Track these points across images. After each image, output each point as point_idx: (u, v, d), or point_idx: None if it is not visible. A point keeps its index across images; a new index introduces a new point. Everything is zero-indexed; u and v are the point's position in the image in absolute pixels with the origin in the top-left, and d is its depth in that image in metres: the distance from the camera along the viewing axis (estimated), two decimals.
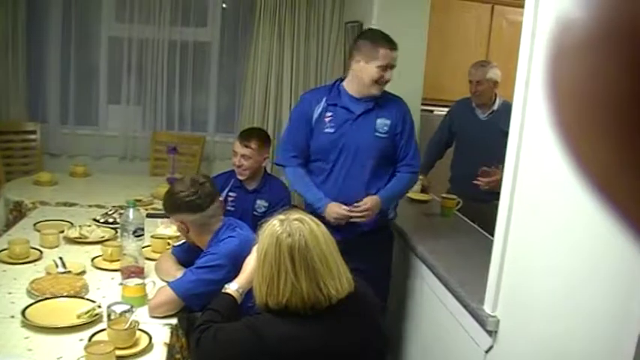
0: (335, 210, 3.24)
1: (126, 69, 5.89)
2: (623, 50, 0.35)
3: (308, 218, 2.02)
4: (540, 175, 2.11)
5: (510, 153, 2.29)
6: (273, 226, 1.99)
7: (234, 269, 2.44)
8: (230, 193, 3.81)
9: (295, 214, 2.03)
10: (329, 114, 3.28)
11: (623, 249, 1.57)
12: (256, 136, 3.86)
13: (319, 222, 2.05)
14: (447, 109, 4.79)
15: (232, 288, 2.28)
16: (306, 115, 3.32)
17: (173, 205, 2.79)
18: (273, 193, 3.81)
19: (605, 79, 0.36)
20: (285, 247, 1.92)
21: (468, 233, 3.62)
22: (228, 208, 3.69)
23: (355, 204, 3.24)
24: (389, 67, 3.19)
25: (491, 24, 5.48)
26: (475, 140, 4.26)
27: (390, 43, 3.19)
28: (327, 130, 3.28)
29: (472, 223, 3.78)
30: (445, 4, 5.23)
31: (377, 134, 3.26)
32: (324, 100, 3.30)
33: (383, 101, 3.30)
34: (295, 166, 3.37)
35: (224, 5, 6.06)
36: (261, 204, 3.76)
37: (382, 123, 3.27)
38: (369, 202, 3.25)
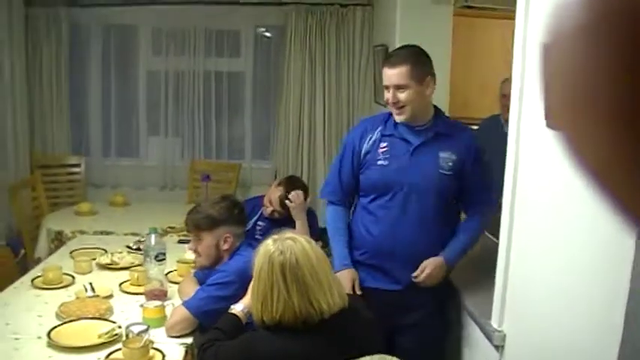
0: (344, 280, 2.77)
1: (163, 101, 6.13)
2: (617, 36, 0.34)
3: (300, 237, 2.10)
4: (539, 191, 2.15)
5: (509, 162, 2.34)
6: (267, 245, 2.09)
7: (242, 287, 2.53)
8: (259, 222, 3.90)
9: (288, 234, 2.12)
10: (384, 144, 2.85)
11: (621, 261, 1.61)
12: (298, 186, 3.88)
13: (311, 241, 2.13)
14: (474, 126, 4.81)
15: (238, 308, 2.39)
16: (356, 144, 2.92)
17: (193, 218, 2.90)
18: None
19: (599, 66, 0.36)
20: (277, 264, 2.01)
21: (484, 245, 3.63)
22: (257, 236, 3.76)
23: (414, 274, 2.78)
24: (392, 87, 2.74)
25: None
26: (504, 154, 4.27)
27: (388, 61, 2.78)
28: (380, 163, 2.85)
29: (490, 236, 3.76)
30: (469, 22, 5.27)
31: (440, 171, 2.78)
32: (379, 129, 2.88)
33: (447, 131, 2.83)
34: (335, 203, 3.04)
35: (267, 34, 6.24)
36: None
37: (447, 158, 2.79)
38: (429, 266, 2.78)
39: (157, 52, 6.09)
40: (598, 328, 1.78)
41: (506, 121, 4.35)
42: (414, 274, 2.77)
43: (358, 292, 2.79)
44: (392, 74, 2.72)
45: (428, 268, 2.76)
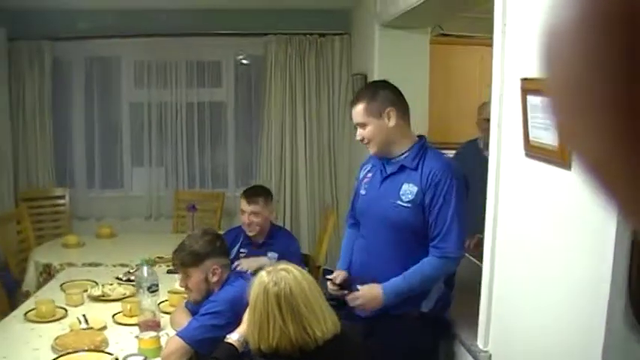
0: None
1: (147, 132, 6.20)
2: (617, 30, 0.34)
3: (293, 268, 2.20)
4: (520, 215, 2.26)
5: (490, 186, 2.44)
6: (262, 276, 2.19)
7: (234, 315, 2.63)
8: (242, 250, 3.98)
9: (282, 265, 2.22)
10: (370, 174, 2.96)
11: (600, 281, 1.71)
12: (261, 193, 4.04)
13: (304, 271, 2.22)
14: (454, 151, 4.92)
15: (233, 338, 2.48)
16: (359, 173, 3.08)
17: (178, 255, 2.97)
18: (282, 243, 3.98)
19: (599, 60, 0.35)
20: (272, 294, 2.11)
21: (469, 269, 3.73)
22: None
23: (348, 297, 2.78)
24: (356, 125, 2.85)
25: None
26: (483, 178, 4.39)
27: (352, 101, 2.91)
28: (361, 192, 2.99)
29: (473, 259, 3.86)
30: (447, 50, 5.41)
31: (398, 202, 2.74)
32: (373, 159, 2.98)
33: (418, 162, 2.77)
34: (349, 225, 3.19)
35: (244, 61, 6.34)
36: (272, 256, 3.91)
37: (407, 189, 2.74)
38: (363, 294, 2.75)
39: (140, 84, 6.17)
40: (580, 348, 1.87)
41: (486, 144, 4.53)
42: (349, 297, 2.77)
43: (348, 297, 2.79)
44: (353, 113, 2.84)
45: (361, 298, 2.75)
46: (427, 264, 2.70)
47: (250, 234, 3.97)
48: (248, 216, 3.93)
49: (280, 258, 3.82)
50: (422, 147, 2.82)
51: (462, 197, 2.71)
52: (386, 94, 2.81)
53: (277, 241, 3.99)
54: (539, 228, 2.08)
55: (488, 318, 2.47)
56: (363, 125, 2.80)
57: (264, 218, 3.95)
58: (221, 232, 3.63)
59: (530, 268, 2.17)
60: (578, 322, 1.88)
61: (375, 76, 4.73)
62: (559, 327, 1.98)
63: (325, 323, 2.14)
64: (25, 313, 3.25)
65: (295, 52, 6.01)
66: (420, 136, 2.90)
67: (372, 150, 2.84)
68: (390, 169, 2.82)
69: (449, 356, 3.00)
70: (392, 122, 2.77)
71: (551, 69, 0.39)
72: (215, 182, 6.37)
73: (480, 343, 2.53)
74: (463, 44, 5.67)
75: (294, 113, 6.05)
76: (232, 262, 3.78)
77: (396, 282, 2.70)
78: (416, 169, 2.75)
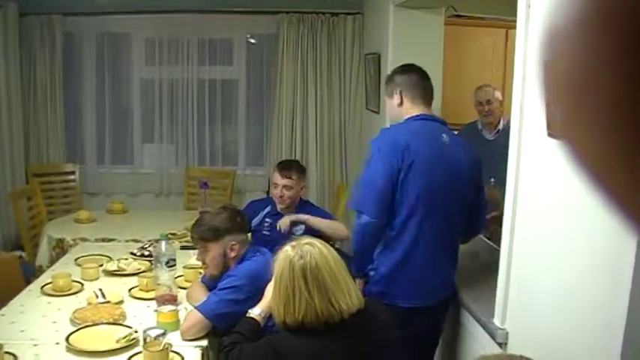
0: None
1: (158, 109, 6.20)
2: (617, 28, 0.34)
3: (317, 242, 2.23)
4: (539, 190, 2.27)
5: (510, 168, 2.45)
6: (286, 251, 2.21)
7: (254, 289, 2.66)
8: (266, 219, 4.01)
9: (306, 239, 2.24)
10: None
11: (622, 260, 1.72)
12: (295, 167, 4.07)
13: (327, 245, 2.25)
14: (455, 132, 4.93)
15: (255, 312, 2.50)
16: None
17: (197, 231, 3.00)
18: (311, 214, 4.00)
19: (598, 59, 0.35)
20: (298, 268, 2.13)
21: (482, 247, 3.75)
22: (264, 232, 3.94)
23: None
24: None
25: (506, 48, 5.63)
26: (483, 159, 4.42)
27: None
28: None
29: (486, 240, 3.89)
30: (460, 31, 5.40)
31: None
32: None
33: None
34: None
35: (252, 40, 6.33)
36: (300, 227, 3.93)
37: None
38: None
39: (151, 61, 6.17)
40: (600, 325, 1.89)
41: (484, 127, 4.56)
42: None
43: None
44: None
45: None
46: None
47: (280, 207, 4.00)
48: (281, 189, 3.95)
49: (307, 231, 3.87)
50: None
51: (370, 165, 2.87)
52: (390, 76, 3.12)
53: (306, 214, 4.02)
54: (560, 206, 2.09)
55: (505, 296, 2.49)
56: None
57: (296, 192, 3.99)
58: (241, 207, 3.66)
59: (550, 246, 2.18)
60: (598, 300, 1.89)
61: (390, 56, 4.72)
62: (578, 305, 2.00)
63: (350, 297, 2.17)
64: (42, 287, 3.28)
65: (307, 31, 5.98)
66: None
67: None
68: None
69: (464, 335, 3.03)
70: (395, 101, 3.04)
71: (551, 68, 0.39)
72: (225, 160, 6.38)
73: (496, 321, 2.54)
74: (476, 25, 5.66)
75: (306, 92, 6.04)
76: (256, 231, 3.89)
77: None
78: None
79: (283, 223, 3.86)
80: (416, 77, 3.06)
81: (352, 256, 2.98)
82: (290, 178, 3.95)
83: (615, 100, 0.35)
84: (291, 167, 4.04)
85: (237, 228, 3.02)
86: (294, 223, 3.89)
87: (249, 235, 3.51)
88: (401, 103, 3.01)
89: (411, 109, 3.00)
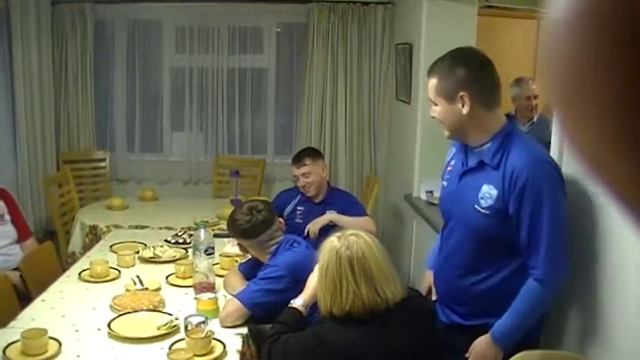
0: (424, 282, 2.70)
1: (188, 97, 6.21)
2: (615, 25, 0.34)
3: (362, 232, 2.26)
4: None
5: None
6: (332, 242, 2.23)
7: (293, 280, 2.70)
8: (298, 207, 4.07)
9: (351, 230, 2.27)
10: (453, 162, 2.51)
11: None
12: (307, 153, 4.15)
13: (371, 235, 2.26)
14: None
15: (298, 303, 2.51)
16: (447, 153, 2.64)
17: (232, 231, 3.09)
18: (341, 201, 4.06)
19: (597, 54, 0.35)
20: (345, 258, 2.15)
21: None
22: (297, 220, 3.99)
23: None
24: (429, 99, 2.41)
25: (537, 40, 5.59)
26: None
27: (429, 68, 2.39)
28: (443, 183, 2.56)
29: None
30: (491, 22, 5.36)
31: (476, 206, 2.27)
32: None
33: (500, 159, 2.24)
34: None
35: (278, 30, 6.33)
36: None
37: (487, 192, 2.25)
38: (475, 348, 2.28)
39: (181, 49, 6.18)
40: None
41: (529, 120, 4.55)
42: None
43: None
44: (428, 85, 2.37)
45: (473, 352, 2.29)
46: (525, 293, 2.20)
47: (308, 194, 4.05)
48: (301, 179, 4.02)
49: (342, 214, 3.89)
50: (506, 137, 2.25)
51: (555, 201, 2.16)
52: (462, 73, 2.24)
53: (337, 200, 4.08)
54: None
55: None
56: (434, 102, 2.35)
57: (316, 175, 4.02)
58: (269, 198, 3.69)
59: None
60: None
61: (422, 45, 4.70)
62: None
63: (395, 286, 2.20)
64: (80, 273, 3.32)
65: (338, 20, 5.95)
66: (509, 117, 2.40)
67: (445, 132, 2.37)
68: (470, 162, 2.34)
69: None
70: (465, 109, 2.24)
71: (552, 65, 0.39)
72: (254, 149, 6.38)
73: None
74: (507, 16, 5.62)
75: (336, 82, 6.01)
76: (289, 219, 3.98)
77: (504, 319, 2.22)
78: (497, 167, 2.22)
79: (312, 231, 3.85)
80: (482, 67, 2.33)
81: None
82: (304, 164, 4.02)
83: (612, 93, 0.35)
84: (302, 155, 4.12)
85: (269, 224, 3.03)
86: (322, 228, 3.87)
87: (282, 221, 3.55)
88: (468, 111, 2.27)
89: (488, 118, 2.31)
